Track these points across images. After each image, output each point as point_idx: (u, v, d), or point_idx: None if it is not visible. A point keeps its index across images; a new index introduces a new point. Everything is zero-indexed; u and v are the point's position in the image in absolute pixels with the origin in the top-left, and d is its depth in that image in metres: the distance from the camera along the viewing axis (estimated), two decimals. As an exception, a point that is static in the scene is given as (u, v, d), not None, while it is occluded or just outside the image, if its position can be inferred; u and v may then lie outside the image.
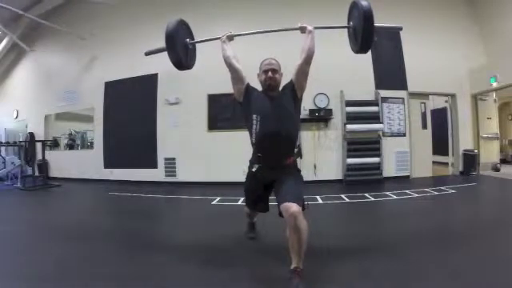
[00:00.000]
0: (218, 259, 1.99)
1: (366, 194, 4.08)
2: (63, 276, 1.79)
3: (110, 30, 6.36)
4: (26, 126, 7.63)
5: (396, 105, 5.55)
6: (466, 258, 1.88)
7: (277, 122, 1.72)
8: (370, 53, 4.98)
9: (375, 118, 5.35)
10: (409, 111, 5.60)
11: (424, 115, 5.89)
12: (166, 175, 5.78)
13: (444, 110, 6.33)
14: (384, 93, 5.47)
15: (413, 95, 5.68)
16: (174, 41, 1.92)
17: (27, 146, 6.20)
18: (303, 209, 1.61)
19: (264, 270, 1.81)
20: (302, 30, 1.89)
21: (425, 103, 5.93)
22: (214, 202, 3.94)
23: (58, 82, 7.03)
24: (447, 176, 5.79)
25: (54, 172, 7.00)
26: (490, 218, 2.98)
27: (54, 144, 7.23)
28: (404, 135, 5.55)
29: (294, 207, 1.52)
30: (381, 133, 5.41)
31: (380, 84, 5.52)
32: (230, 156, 5.12)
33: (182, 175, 5.71)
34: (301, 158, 5.14)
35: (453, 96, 5.93)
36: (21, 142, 6.74)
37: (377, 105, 5.41)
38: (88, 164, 6.49)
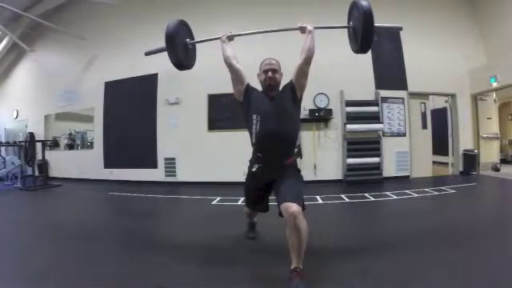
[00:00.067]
0: (218, 259, 1.99)
1: (366, 194, 4.08)
2: (63, 276, 1.79)
3: (110, 30, 6.37)
4: (26, 126, 7.64)
5: (396, 105, 5.55)
6: (466, 257, 1.88)
7: (277, 122, 1.72)
8: (370, 53, 4.98)
9: (375, 117, 5.35)
10: (409, 111, 5.60)
11: (424, 115, 5.89)
12: (166, 175, 5.78)
13: (444, 110, 6.33)
14: (384, 93, 5.47)
15: (413, 95, 5.68)
16: (174, 41, 1.92)
17: (27, 146, 6.19)
18: (303, 209, 1.61)
19: (264, 270, 1.81)
20: (302, 29, 1.89)
21: (425, 103, 5.93)
22: (214, 202, 3.94)
23: (58, 82, 7.03)
24: (447, 176, 5.79)
25: (54, 172, 7.01)
26: (490, 218, 2.98)
27: (54, 144, 7.23)
28: (404, 135, 5.55)
29: (293, 207, 1.52)
30: (381, 133, 5.41)
31: (380, 84, 5.52)
32: (230, 156, 5.12)
33: (182, 175, 5.71)
34: (301, 157, 5.15)
35: (453, 96, 5.93)
36: (21, 142, 6.74)
37: (377, 105, 5.41)
38: (88, 164, 6.49)
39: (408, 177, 5.47)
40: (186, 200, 4.42)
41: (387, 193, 4.16)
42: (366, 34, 1.77)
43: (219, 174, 5.36)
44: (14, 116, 8.12)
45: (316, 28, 1.88)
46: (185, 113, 5.74)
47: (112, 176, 6.11)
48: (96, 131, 6.49)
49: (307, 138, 5.38)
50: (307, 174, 4.75)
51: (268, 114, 1.75)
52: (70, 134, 7.32)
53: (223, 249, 2.21)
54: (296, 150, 1.90)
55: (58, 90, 7.00)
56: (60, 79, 7.00)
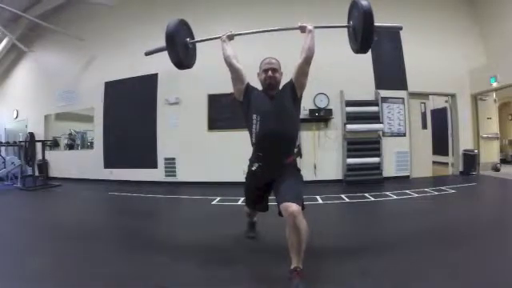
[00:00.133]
0: (218, 259, 1.99)
1: (366, 194, 4.08)
2: (63, 276, 1.79)
3: (110, 30, 6.37)
4: (26, 126, 7.64)
5: (396, 105, 5.55)
6: (466, 257, 1.88)
7: (277, 122, 1.73)
8: (370, 53, 4.98)
9: (375, 117, 5.35)
10: (409, 111, 5.59)
11: (424, 115, 5.89)
12: (166, 175, 5.78)
13: (444, 110, 6.33)
14: (384, 93, 5.46)
15: (413, 95, 5.68)
16: (175, 40, 1.92)
17: (27, 146, 6.19)
18: (303, 208, 1.61)
19: (264, 270, 1.81)
20: (302, 29, 1.89)
21: (425, 103, 5.92)
22: (214, 202, 3.94)
23: (57, 82, 7.03)
24: (447, 176, 5.79)
25: (54, 172, 7.00)
26: (490, 218, 2.98)
27: (54, 144, 7.23)
28: (404, 135, 5.55)
29: (293, 207, 1.52)
30: (381, 133, 5.41)
31: (380, 84, 5.52)
32: (230, 156, 5.11)
33: (182, 175, 5.71)
34: (301, 157, 5.15)
35: (453, 96, 5.93)
36: (21, 142, 6.74)
37: (377, 105, 5.41)
38: (88, 164, 6.49)
39: (408, 177, 5.47)
40: (185, 200, 4.42)
41: (387, 193, 4.16)
42: (365, 34, 1.77)
43: (219, 174, 5.36)
44: (14, 116, 8.12)
45: (316, 27, 1.88)
46: (185, 113, 5.74)
47: (112, 176, 6.11)
48: (96, 131, 6.49)
49: (307, 138, 5.38)
50: (307, 174, 4.75)
51: (268, 113, 1.75)
52: (70, 134, 7.32)
53: (223, 249, 2.20)
54: (296, 149, 1.91)
55: (57, 90, 7.00)
56: (60, 79, 7.00)
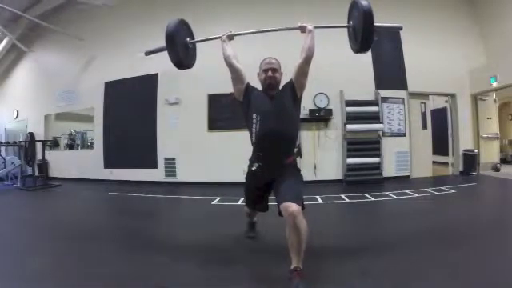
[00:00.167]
0: (218, 259, 1.99)
1: (366, 194, 4.08)
2: (63, 276, 1.79)
3: (110, 30, 6.37)
4: (26, 126, 7.63)
5: (396, 105, 5.55)
6: (466, 257, 1.88)
7: (277, 121, 1.73)
8: (369, 53, 5.00)
9: (375, 117, 5.35)
10: (409, 111, 5.59)
11: (424, 115, 5.89)
12: (166, 175, 5.78)
13: (444, 110, 6.33)
14: (384, 93, 5.46)
15: (413, 95, 5.68)
16: (175, 40, 1.92)
17: (27, 146, 6.19)
18: (302, 208, 1.61)
19: (264, 270, 1.81)
20: (302, 29, 1.89)
21: (425, 103, 5.92)
22: (214, 202, 3.94)
23: (57, 82, 7.03)
24: (447, 176, 5.79)
25: (54, 172, 7.00)
26: (490, 218, 2.98)
27: (54, 144, 7.23)
28: (404, 135, 5.55)
29: (293, 207, 1.52)
30: (381, 133, 5.41)
31: (380, 84, 5.52)
32: (230, 156, 5.11)
33: (182, 175, 5.71)
34: (301, 157, 5.15)
35: (453, 96, 5.93)
36: (21, 142, 6.74)
37: (377, 105, 5.41)
38: (88, 164, 6.49)
39: (408, 177, 5.47)
40: (185, 200, 4.42)
41: (387, 193, 4.16)
42: (365, 34, 1.77)
43: (219, 174, 5.36)
44: (14, 116, 8.12)
45: (316, 27, 1.88)
46: (185, 113, 5.74)
47: (112, 176, 6.11)
48: (96, 131, 6.49)
49: (307, 138, 5.38)
50: (307, 174, 4.75)
51: (268, 113, 1.75)
52: (70, 134, 7.32)
53: (223, 249, 2.20)
54: (296, 149, 1.91)
55: (57, 90, 7.00)
56: (60, 79, 7.00)
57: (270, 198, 1.95)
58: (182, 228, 2.91)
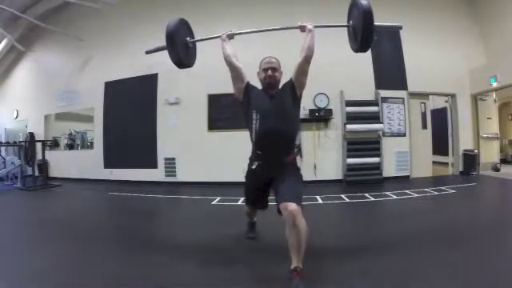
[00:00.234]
0: (218, 259, 1.99)
1: (366, 194, 4.07)
2: (63, 276, 1.79)
3: (110, 30, 6.37)
4: (26, 126, 7.63)
5: (396, 105, 5.54)
6: (466, 257, 1.88)
7: (276, 120, 1.73)
8: (369, 52, 5.01)
9: (375, 117, 5.35)
10: (409, 111, 5.59)
11: (424, 115, 5.89)
12: (166, 175, 5.78)
13: (444, 110, 6.32)
14: (384, 93, 5.46)
15: (413, 95, 5.67)
16: (175, 39, 1.93)
17: (27, 146, 6.19)
18: (302, 208, 1.61)
19: (264, 270, 1.81)
20: (302, 28, 1.89)
21: (425, 103, 5.92)
22: (214, 202, 3.94)
23: (57, 82, 7.03)
24: (447, 176, 5.79)
25: (54, 172, 7.00)
26: (490, 218, 2.98)
27: (54, 144, 7.23)
28: (404, 135, 5.55)
29: (292, 206, 1.53)
30: (381, 133, 5.41)
31: (380, 84, 5.52)
32: (230, 156, 5.10)
33: (182, 175, 5.71)
34: (301, 157, 5.15)
35: (453, 96, 5.93)
36: (21, 142, 6.73)
37: (377, 105, 5.41)
38: (88, 164, 6.49)
39: (408, 177, 5.47)
40: (185, 200, 4.41)
41: (387, 193, 4.16)
42: (365, 33, 1.77)
43: (219, 174, 5.36)
44: (14, 116, 8.12)
45: (316, 27, 1.88)
46: (185, 113, 5.74)
47: (112, 176, 6.11)
48: (96, 131, 6.49)
49: (307, 138, 5.38)
50: (307, 174, 4.75)
51: (268, 112, 1.75)
52: (70, 134, 7.32)
53: (223, 249, 2.20)
54: (296, 148, 1.91)
55: (57, 90, 7.00)
56: (60, 79, 7.00)
57: (269, 197, 1.95)
58: (181, 228, 2.91)
